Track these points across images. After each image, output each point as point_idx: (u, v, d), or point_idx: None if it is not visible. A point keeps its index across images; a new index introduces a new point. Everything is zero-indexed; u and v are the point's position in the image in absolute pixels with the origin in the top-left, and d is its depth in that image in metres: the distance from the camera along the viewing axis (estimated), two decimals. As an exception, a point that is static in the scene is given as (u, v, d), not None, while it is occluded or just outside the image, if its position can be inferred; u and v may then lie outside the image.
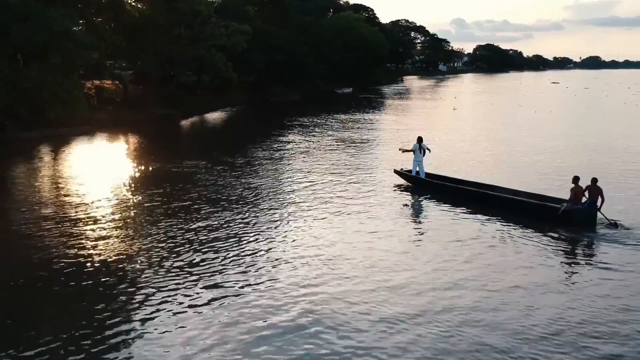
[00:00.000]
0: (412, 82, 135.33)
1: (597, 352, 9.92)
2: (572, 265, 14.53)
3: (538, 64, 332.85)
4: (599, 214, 17.07)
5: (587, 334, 10.54)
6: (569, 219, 16.88)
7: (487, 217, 18.05)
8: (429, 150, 22.79)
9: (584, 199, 17.35)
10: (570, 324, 10.88)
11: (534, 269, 13.77)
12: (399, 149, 24.44)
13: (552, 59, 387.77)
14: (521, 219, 17.56)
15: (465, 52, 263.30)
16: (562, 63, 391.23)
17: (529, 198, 18.97)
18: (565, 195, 17.85)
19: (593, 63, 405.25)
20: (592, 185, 17.25)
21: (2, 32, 30.72)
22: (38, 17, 31.45)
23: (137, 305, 11.53)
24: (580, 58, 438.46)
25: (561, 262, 14.45)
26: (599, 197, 17.07)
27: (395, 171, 23.51)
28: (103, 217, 17.85)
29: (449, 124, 46.27)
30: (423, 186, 22.02)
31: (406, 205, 20.49)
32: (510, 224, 17.31)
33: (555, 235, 16.30)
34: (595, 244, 15.93)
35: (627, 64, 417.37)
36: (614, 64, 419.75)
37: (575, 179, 17.44)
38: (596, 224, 16.92)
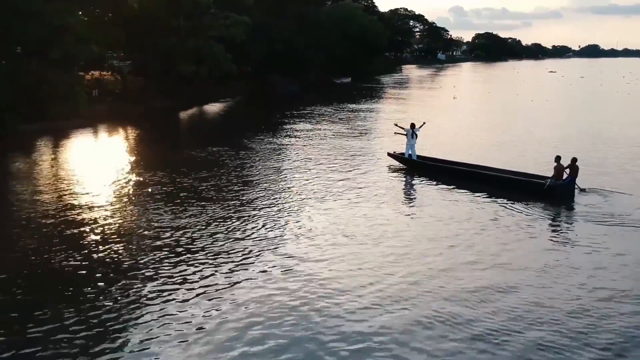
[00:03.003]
0: (411, 71, 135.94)
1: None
2: (556, 234, 15.91)
3: (537, 52, 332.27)
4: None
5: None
6: (552, 193, 18.54)
7: (476, 193, 19.46)
8: (423, 124, 24.56)
9: (564, 176, 18.79)
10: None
11: (525, 239, 15.21)
12: (394, 124, 25.62)
13: (550, 48, 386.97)
14: (507, 194, 18.99)
15: (464, 41, 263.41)
16: (560, 51, 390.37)
17: (514, 176, 20.38)
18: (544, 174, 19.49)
19: (592, 51, 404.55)
20: (572, 164, 18.94)
21: (2, 28, 30.69)
22: (38, 11, 31.35)
23: (141, 290, 12.37)
24: (579, 46, 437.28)
25: (546, 231, 15.85)
26: (577, 173, 18.88)
27: (389, 154, 24.69)
28: (109, 206, 18.96)
29: (450, 112, 47.40)
30: (415, 167, 23.34)
31: (400, 184, 21.73)
32: (499, 199, 18.72)
33: (541, 206, 18.04)
34: (573, 213, 17.66)
35: (626, 52, 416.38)
36: (612, 52, 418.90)
37: (557, 158, 19.23)
38: (574, 197, 18.78)
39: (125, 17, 45.23)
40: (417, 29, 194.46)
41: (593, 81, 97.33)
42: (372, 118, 43.07)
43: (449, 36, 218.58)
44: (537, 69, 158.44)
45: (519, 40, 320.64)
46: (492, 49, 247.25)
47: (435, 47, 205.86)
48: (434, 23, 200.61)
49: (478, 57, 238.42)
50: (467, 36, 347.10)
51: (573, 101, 61.58)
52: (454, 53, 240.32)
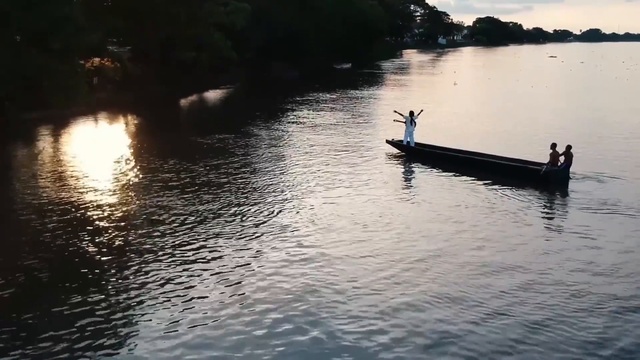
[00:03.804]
0: (412, 56, 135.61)
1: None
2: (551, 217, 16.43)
3: (538, 36, 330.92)
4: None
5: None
6: (548, 179, 19.13)
7: (473, 179, 20.04)
8: (420, 111, 24.94)
9: (559, 163, 19.37)
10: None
11: (522, 225, 15.68)
12: (394, 111, 25.97)
13: (552, 32, 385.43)
14: (505, 180, 19.55)
15: (465, 25, 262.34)
16: (562, 36, 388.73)
17: (510, 162, 20.87)
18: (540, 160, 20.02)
19: (593, 35, 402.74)
20: (566, 151, 19.49)
21: (2, 18, 30.41)
22: (38, 2, 31.07)
23: (138, 273, 12.90)
24: (581, 31, 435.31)
25: (543, 217, 16.44)
26: (571, 160, 19.48)
27: (387, 141, 25.12)
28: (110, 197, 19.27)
29: (451, 98, 47.50)
30: (413, 154, 23.84)
31: (399, 171, 22.28)
32: (496, 184, 19.30)
33: (537, 192, 18.63)
34: (569, 199, 18.26)
35: (628, 37, 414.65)
36: (614, 37, 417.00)
37: (553, 145, 19.80)
38: (569, 182, 19.36)
39: (124, 4, 45.21)
40: (418, 13, 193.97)
41: (593, 66, 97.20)
42: (371, 105, 43.32)
43: (449, 20, 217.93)
44: (538, 54, 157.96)
45: (520, 25, 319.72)
46: (493, 33, 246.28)
47: (436, 32, 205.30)
48: (434, 7, 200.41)
49: (479, 41, 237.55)
50: (468, 20, 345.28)
51: (572, 87, 61.77)
52: (455, 37, 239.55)
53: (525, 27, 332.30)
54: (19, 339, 9.89)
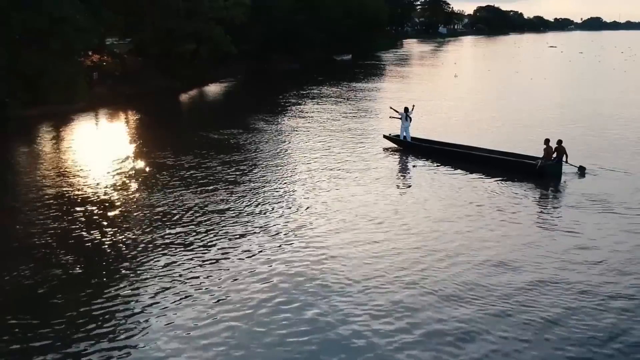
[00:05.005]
0: (412, 46, 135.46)
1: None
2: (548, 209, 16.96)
3: (538, 25, 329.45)
4: (568, 166, 20.33)
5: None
6: (543, 173, 19.83)
7: (469, 173, 20.59)
8: (413, 107, 25.29)
9: (552, 157, 20.18)
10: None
11: (519, 218, 16.25)
12: (390, 107, 26.44)
13: (552, 20, 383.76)
14: (500, 174, 20.15)
15: (466, 14, 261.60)
16: (562, 24, 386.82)
17: (506, 156, 21.42)
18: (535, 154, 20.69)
19: (594, 24, 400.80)
20: (558, 146, 20.23)
21: (1, 18, 30.71)
22: (37, 2, 31.43)
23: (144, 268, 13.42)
24: (582, 19, 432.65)
25: (538, 210, 17.07)
26: (564, 154, 20.27)
27: (385, 136, 25.62)
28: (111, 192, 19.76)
29: (451, 92, 47.63)
30: (410, 148, 24.35)
31: (396, 165, 22.85)
32: (491, 178, 19.91)
33: (532, 186, 19.38)
34: (563, 192, 19.13)
35: (629, 25, 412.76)
36: (615, 25, 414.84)
37: (547, 141, 20.52)
38: (562, 176, 20.10)
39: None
40: (418, 3, 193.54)
41: (592, 57, 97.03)
42: (370, 98, 43.58)
43: (450, 9, 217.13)
44: (538, 44, 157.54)
45: (520, 13, 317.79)
46: (493, 22, 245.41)
47: (436, 21, 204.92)
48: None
49: (480, 30, 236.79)
50: (469, 9, 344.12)
51: (570, 79, 61.78)
52: (456, 27, 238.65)
53: (526, 16, 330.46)
54: (44, 330, 10.35)
